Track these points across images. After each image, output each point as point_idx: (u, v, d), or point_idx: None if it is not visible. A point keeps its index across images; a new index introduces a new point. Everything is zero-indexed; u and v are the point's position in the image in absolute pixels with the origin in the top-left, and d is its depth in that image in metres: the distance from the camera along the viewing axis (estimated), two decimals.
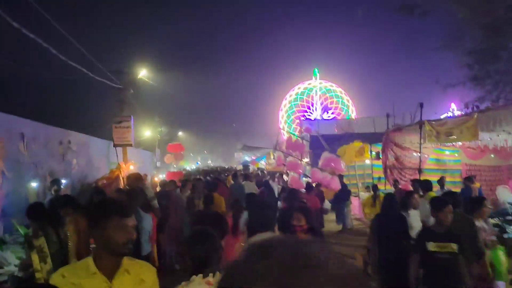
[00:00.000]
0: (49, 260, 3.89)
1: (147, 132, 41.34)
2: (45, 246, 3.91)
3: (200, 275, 2.54)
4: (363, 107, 47.79)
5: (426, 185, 8.28)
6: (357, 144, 14.70)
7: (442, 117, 12.00)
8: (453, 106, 26.14)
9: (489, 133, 9.23)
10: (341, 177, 13.66)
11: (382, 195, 10.51)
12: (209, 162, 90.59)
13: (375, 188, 10.97)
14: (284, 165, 14.42)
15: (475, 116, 9.10)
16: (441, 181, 12.59)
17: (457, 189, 12.38)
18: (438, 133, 10.41)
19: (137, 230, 2.17)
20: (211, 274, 2.53)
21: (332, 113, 44.04)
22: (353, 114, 42.80)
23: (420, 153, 12.84)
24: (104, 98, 17.31)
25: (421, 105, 11.56)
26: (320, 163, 13.94)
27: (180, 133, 50.42)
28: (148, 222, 4.49)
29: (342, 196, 12.62)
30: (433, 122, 10.87)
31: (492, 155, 14.08)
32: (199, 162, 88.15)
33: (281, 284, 0.63)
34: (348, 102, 44.87)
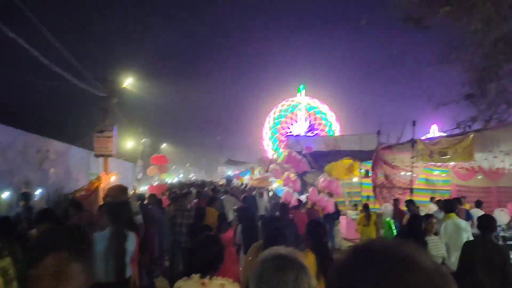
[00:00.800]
0: (15, 284, 3.38)
1: (130, 143, 40.57)
2: (10, 267, 3.40)
3: (199, 275, 2.77)
4: (348, 125, 47.76)
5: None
6: (346, 162, 14.40)
7: (422, 138, 11.82)
8: (433, 128, 25.98)
9: (484, 154, 8.99)
10: (330, 194, 13.30)
11: (374, 215, 10.19)
12: (192, 175, 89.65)
13: (366, 207, 10.62)
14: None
15: (471, 135, 8.88)
16: (432, 201, 12.39)
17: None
18: (432, 152, 10.16)
19: (122, 251, 2.14)
20: (208, 277, 2.77)
21: (316, 129, 43.86)
22: (336, 131, 42.68)
23: (411, 172, 12.66)
24: (86, 107, 16.71)
25: (414, 123, 11.37)
26: (320, 184, 13.63)
27: (163, 145, 49.60)
28: (132, 241, 4.00)
29: (333, 215, 12.22)
30: (426, 141, 10.64)
31: (480, 176, 13.94)
32: (181, 175, 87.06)
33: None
34: (332, 117, 44.71)
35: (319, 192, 13.43)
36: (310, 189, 14.23)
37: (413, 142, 11.00)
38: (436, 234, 5.16)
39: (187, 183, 28.90)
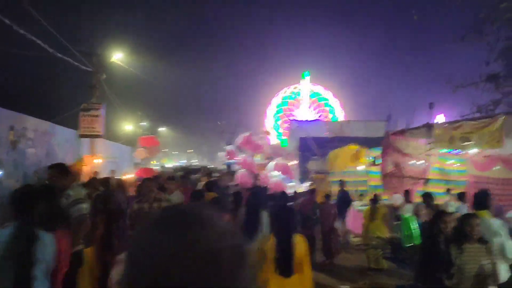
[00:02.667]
0: None
1: (129, 126, 39.56)
2: None
3: None
4: (354, 112, 46.61)
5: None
6: (352, 148, 13.21)
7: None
8: (439, 119, 24.67)
9: None
10: (342, 182, 12.14)
11: (382, 208, 8.99)
12: (195, 161, 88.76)
13: (374, 199, 9.40)
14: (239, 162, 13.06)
15: (502, 118, 7.66)
16: (449, 193, 11.20)
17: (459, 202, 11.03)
18: (452, 137, 8.95)
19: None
20: None
21: (320, 116, 42.82)
22: (340, 118, 41.55)
23: (424, 160, 11.48)
24: (73, 83, 15.47)
25: (431, 106, 10.14)
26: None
27: (162, 129, 48.41)
28: (48, 246, 2.79)
29: (341, 207, 10.94)
30: (445, 125, 9.41)
31: (498, 166, 12.72)
32: (184, 161, 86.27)
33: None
34: (336, 104, 43.58)
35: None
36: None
37: (429, 126, 9.78)
38: (481, 240, 3.93)
39: (182, 168, 27.81)
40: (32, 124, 11.97)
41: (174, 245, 0.70)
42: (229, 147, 13.30)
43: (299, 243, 3.92)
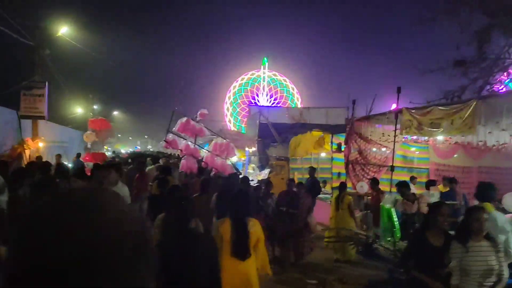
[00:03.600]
0: None
1: (79, 109, 37.61)
2: None
3: None
4: (314, 99, 46.62)
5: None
6: (316, 134, 12.76)
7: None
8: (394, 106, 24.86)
9: (488, 126, 7.45)
10: (313, 169, 11.61)
11: (348, 197, 8.50)
12: (149, 147, 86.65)
13: (341, 187, 8.88)
14: (181, 149, 12.62)
15: (474, 103, 7.31)
16: (413, 182, 10.94)
17: (420, 191, 10.83)
18: (420, 124, 8.57)
19: None
20: None
21: (278, 103, 42.63)
22: (298, 105, 41.50)
23: (387, 148, 11.16)
24: (13, 59, 14.03)
25: (399, 90, 9.72)
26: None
27: (115, 113, 46.41)
28: None
29: (312, 194, 10.24)
30: (413, 111, 9.03)
31: (456, 155, 12.68)
32: (138, 147, 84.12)
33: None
34: (294, 91, 43.56)
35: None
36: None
37: (396, 112, 9.39)
38: (487, 237, 3.41)
39: (136, 154, 26.66)
40: None
41: (65, 227, 0.65)
42: (169, 136, 12.35)
43: (254, 226, 4.03)
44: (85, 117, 36.02)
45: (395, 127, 9.39)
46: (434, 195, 8.60)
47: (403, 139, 11.35)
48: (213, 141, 13.10)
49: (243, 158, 24.57)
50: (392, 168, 9.41)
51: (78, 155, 13.71)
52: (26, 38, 12.12)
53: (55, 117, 23.54)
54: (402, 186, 7.91)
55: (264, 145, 21.10)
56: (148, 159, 19.42)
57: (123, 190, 5.26)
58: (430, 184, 9.23)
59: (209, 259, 3.18)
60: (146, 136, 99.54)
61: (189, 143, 13.03)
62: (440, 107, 8.23)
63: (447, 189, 9.55)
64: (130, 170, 9.51)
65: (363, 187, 10.16)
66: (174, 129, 12.46)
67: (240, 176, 10.25)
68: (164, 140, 12.95)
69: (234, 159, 26.33)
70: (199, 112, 13.00)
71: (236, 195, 4.12)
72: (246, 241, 3.91)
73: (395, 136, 9.48)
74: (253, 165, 23.11)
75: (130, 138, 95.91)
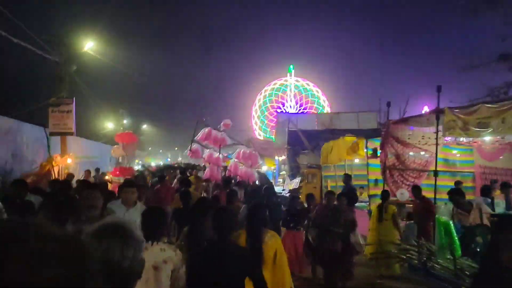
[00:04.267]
0: None
1: (110, 124, 38.08)
2: None
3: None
4: (341, 104, 45.82)
5: None
6: (349, 139, 12.16)
7: None
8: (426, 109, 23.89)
9: None
10: (348, 177, 11.06)
11: (392, 206, 7.89)
12: (179, 159, 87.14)
13: (385, 195, 8.26)
14: (203, 158, 13.26)
15: None
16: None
17: (470, 197, 10.06)
18: (466, 124, 7.91)
19: None
20: (149, 242, 3.14)
21: (305, 109, 42.09)
22: (327, 111, 40.84)
23: (428, 151, 10.49)
24: (38, 75, 14.02)
25: (439, 89, 9.07)
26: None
27: (144, 126, 46.77)
28: None
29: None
30: (457, 110, 8.37)
31: (502, 157, 11.82)
32: (168, 159, 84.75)
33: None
34: (324, 102, 42.96)
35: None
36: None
37: (438, 112, 8.73)
38: None
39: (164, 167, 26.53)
40: None
41: None
42: (193, 146, 12.43)
43: (272, 238, 3.98)
44: (115, 131, 36.47)
45: (437, 129, 8.76)
46: (499, 204, 7.69)
47: (444, 142, 10.68)
48: (237, 150, 13.37)
49: (272, 167, 24.08)
50: (436, 173, 8.75)
51: (97, 170, 13.58)
52: (51, 55, 12.10)
53: (86, 133, 23.76)
54: (456, 194, 7.22)
55: (294, 153, 20.57)
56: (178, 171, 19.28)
57: (136, 212, 4.70)
58: (486, 189, 8.24)
59: (243, 272, 3.21)
60: (176, 148, 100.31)
61: (214, 152, 13.07)
62: (487, 105, 7.55)
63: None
64: (154, 184, 9.33)
65: (404, 194, 9.51)
66: (197, 138, 12.57)
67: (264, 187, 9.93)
68: (189, 150, 12.97)
69: (264, 168, 25.93)
70: (222, 122, 13.26)
71: (251, 207, 3.99)
72: (259, 253, 3.79)
73: (437, 138, 8.81)
74: (283, 172, 22.61)
75: (160, 151, 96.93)
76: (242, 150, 13.54)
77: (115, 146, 14.64)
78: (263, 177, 16.20)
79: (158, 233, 3.32)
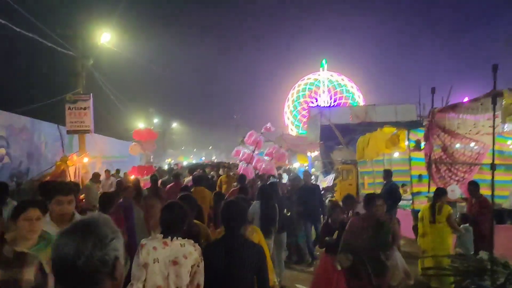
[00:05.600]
0: None
1: (140, 124, 37.94)
2: None
3: (161, 235, 3.24)
4: (377, 97, 44.22)
5: None
6: (388, 131, 10.94)
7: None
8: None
9: None
10: (388, 173, 9.92)
11: (447, 207, 6.70)
12: (213, 157, 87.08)
13: (439, 193, 7.02)
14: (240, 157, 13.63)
15: None
16: None
17: None
18: None
19: None
20: (169, 237, 3.22)
21: (338, 105, 40.83)
22: (360, 103, 39.34)
23: (479, 141, 9.17)
24: (55, 71, 13.41)
25: (495, 68, 7.77)
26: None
27: (174, 125, 46.34)
28: None
29: (389, 206, 8.24)
30: None
31: None
32: (203, 158, 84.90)
33: None
34: (359, 98, 41.47)
35: None
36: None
37: (495, 94, 7.44)
38: None
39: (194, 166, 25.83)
40: (3, 119, 10.06)
41: None
42: (238, 147, 13.79)
43: (253, 234, 4.34)
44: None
45: (493, 115, 7.48)
46: None
47: (499, 131, 9.35)
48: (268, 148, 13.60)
49: (305, 164, 22.98)
50: (494, 167, 7.48)
51: (117, 171, 12.88)
52: (66, 49, 11.45)
53: (116, 133, 23.32)
54: None
55: (327, 149, 19.39)
56: (207, 169, 18.48)
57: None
58: None
59: (254, 267, 3.29)
60: (210, 147, 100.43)
61: (248, 151, 13.37)
62: None
63: None
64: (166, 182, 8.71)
65: (455, 191, 8.29)
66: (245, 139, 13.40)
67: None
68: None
69: (296, 165, 24.83)
70: (264, 127, 13.80)
71: (226, 204, 3.70)
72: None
73: (493, 126, 7.53)
74: (313, 169, 21.44)
75: (194, 150, 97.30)
76: (271, 147, 13.79)
77: (133, 143, 13.97)
78: (296, 177, 15.27)
79: (177, 229, 3.31)
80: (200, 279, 3.22)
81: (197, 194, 7.67)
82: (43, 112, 12.20)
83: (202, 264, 3.23)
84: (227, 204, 3.62)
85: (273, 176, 12.74)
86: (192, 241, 3.32)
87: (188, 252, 3.20)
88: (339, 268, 4.99)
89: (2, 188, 5.43)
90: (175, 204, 3.53)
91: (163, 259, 3.14)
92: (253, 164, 12.89)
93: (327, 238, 5.46)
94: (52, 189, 4.05)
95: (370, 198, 5.08)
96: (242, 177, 9.67)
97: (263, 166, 12.57)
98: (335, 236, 5.30)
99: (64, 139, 13.31)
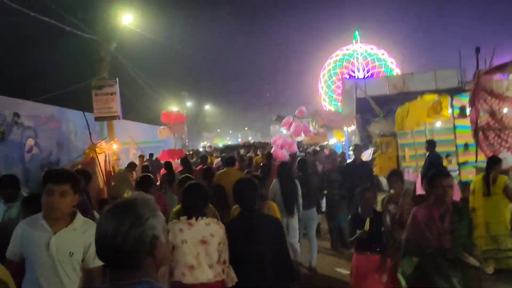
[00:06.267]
0: None
1: (174, 108, 38.03)
2: None
3: (185, 217, 3.35)
4: (414, 65, 42.45)
5: None
6: (429, 98, 10.15)
7: None
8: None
9: None
10: (431, 143, 9.27)
11: (503, 178, 5.98)
12: (250, 138, 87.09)
13: (493, 162, 6.28)
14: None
15: None
16: None
17: None
18: None
19: None
20: (194, 218, 3.33)
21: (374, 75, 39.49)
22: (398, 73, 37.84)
23: None
24: (83, 56, 13.20)
25: None
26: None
27: (207, 107, 46.10)
28: None
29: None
30: None
31: None
32: (239, 139, 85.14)
33: None
34: (392, 64, 39.93)
35: None
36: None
37: None
38: None
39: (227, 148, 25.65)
40: (28, 108, 9.95)
41: None
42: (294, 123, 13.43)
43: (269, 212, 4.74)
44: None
45: None
46: None
47: None
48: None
49: (342, 139, 22.28)
50: None
51: (151, 155, 12.66)
52: (87, 33, 11.22)
53: (149, 119, 23.33)
54: None
55: (364, 122, 18.55)
56: (241, 150, 18.18)
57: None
58: None
59: (272, 240, 3.36)
60: (246, 128, 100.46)
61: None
62: None
63: None
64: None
65: (507, 159, 7.49)
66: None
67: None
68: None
69: (332, 141, 24.14)
70: (297, 110, 13.70)
71: (237, 182, 3.69)
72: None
73: None
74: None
75: (230, 131, 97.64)
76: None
77: (161, 127, 13.74)
78: (333, 153, 14.83)
79: (201, 209, 3.41)
80: (226, 255, 3.32)
81: (225, 175, 7.42)
82: (69, 100, 12.10)
83: (226, 241, 3.33)
84: (237, 182, 3.66)
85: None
86: (215, 220, 3.44)
87: (214, 230, 3.30)
88: (400, 278, 3.86)
89: (14, 183, 5.00)
90: (195, 185, 3.62)
91: (191, 239, 3.23)
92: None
93: (358, 231, 4.34)
94: (44, 177, 3.66)
95: (437, 174, 3.64)
96: (269, 155, 9.49)
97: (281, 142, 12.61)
98: (367, 227, 4.22)
99: (92, 126, 13.19)
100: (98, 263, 2.66)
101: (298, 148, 17.58)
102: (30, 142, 9.92)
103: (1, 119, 8.69)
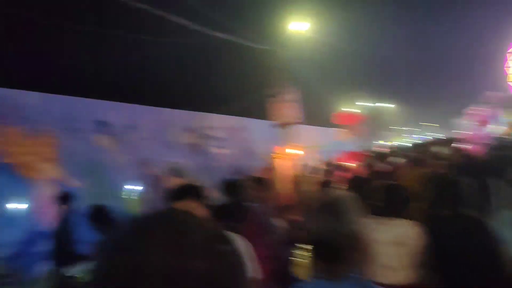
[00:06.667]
0: None
1: (353, 109, 37.34)
2: None
3: (380, 216, 3.33)
4: None
5: None
6: None
7: None
8: None
9: None
10: None
11: None
12: (440, 135, 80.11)
13: None
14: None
15: None
16: None
17: None
18: None
19: None
20: (389, 218, 3.27)
21: None
22: None
23: None
24: (260, 67, 13.73)
25: None
26: None
27: (383, 104, 43.55)
28: None
29: None
30: None
31: None
32: (417, 136, 79.76)
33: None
34: None
35: None
36: None
37: None
38: None
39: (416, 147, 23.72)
40: (221, 121, 10.75)
41: None
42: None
43: None
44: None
45: None
46: None
47: None
48: None
49: None
50: None
51: (331, 158, 12.32)
52: (262, 44, 11.67)
53: (328, 123, 23.19)
54: None
55: None
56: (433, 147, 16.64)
57: None
58: None
59: (492, 253, 2.92)
60: (428, 124, 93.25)
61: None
62: None
63: None
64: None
65: None
66: None
67: None
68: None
69: None
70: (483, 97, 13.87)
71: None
72: None
73: None
74: None
75: (414, 129, 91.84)
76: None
77: (339, 130, 13.36)
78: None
79: (399, 210, 3.33)
80: (421, 258, 3.17)
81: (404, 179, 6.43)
82: (251, 110, 12.74)
83: (422, 244, 3.16)
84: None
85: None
86: (412, 222, 3.29)
87: (410, 231, 3.19)
88: None
89: (105, 213, 4.30)
90: (397, 186, 3.59)
91: (386, 240, 3.15)
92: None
93: None
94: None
95: None
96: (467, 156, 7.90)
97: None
98: None
99: (274, 133, 13.71)
100: None
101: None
102: (224, 151, 10.68)
103: (197, 132, 9.54)
